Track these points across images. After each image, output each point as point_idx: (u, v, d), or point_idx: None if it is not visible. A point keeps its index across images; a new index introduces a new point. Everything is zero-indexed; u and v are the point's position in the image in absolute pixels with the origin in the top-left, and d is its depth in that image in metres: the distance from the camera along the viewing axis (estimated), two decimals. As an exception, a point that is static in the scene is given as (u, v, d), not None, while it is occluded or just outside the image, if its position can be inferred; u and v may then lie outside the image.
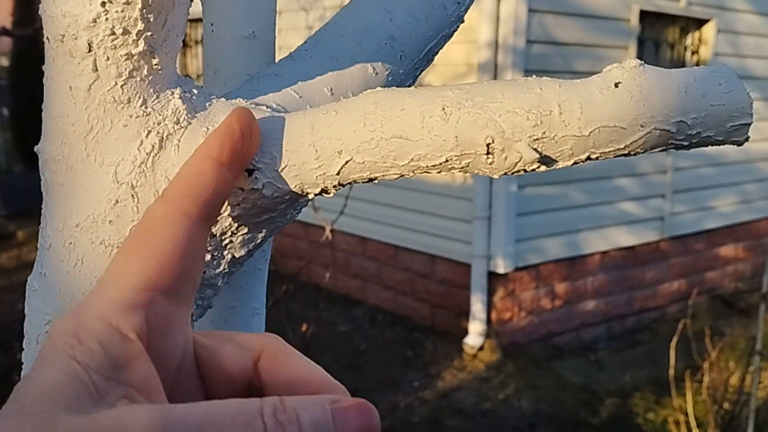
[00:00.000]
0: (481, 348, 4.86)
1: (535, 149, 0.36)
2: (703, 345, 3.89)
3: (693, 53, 5.54)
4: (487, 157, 0.36)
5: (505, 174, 0.38)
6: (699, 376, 3.76)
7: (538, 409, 4.30)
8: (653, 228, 5.51)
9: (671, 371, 3.51)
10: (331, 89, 0.47)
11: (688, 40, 5.54)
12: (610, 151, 0.37)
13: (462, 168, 0.38)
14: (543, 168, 0.37)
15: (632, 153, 0.37)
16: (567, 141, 0.36)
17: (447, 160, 0.37)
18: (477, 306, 4.81)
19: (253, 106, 0.42)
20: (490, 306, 4.82)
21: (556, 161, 0.37)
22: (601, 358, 5.08)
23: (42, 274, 0.41)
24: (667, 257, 5.70)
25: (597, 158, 0.37)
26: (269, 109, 0.42)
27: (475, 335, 4.85)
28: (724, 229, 6.06)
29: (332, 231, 4.19)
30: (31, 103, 11.06)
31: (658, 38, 5.35)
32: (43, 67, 0.40)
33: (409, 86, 0.52)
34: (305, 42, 0.51)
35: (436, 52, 0.55)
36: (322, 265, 5.47)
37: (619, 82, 0.36)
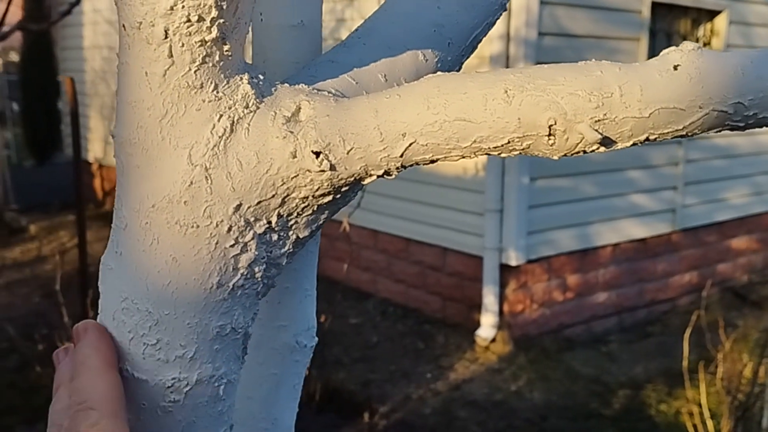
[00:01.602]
0: (493, 340, 4.87)
1: (597, 130, 0.37)
2: (716, 336, 3.89)
3: (705, 45, 5.52)
4: (549, 139, 0.38)
5: (565, 155, 0.39)
6: (712, 367, 3.77)
7: (549, 401, 4.32)
8: (665, 220, 5.50)
9: (684, 362, 3.51)
10: (385, 75, 0.49)
11: (700, 32, 5.52)
12: (668, 132, 0.38)
13: (522, 149, 0.39)
14: (602, 149, 0.39)
15: (690, 134, 0.38)
16: (627, 122, 0.37)
17: (509, 142, 0.38)
18: (489, 298, 4.82)
19: (315, 91, 0.43)
20: (502, 298, 4.83)
21: (615, 142, 0.39)
22: (613, 350, 5.09)
23: (118, 254, 0.43)
24: (678, 249, 5.70)
25: (655, 139, 0.38)
26: (331, 94, 0.44)
27: (487, 327, 4.87)
28: (736, 221, 6.05)
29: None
30: (42, 98, 11.11)
31: (670, 30, 5.33)
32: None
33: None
34: (357, 29, 0.52)
35: (481, 40, 0.56)
36: (335, 259, 5.50)
37: (678, 65, 0.37)
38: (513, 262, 4.72)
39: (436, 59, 0.52)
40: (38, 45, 10.89)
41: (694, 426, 3.37)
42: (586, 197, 5.01)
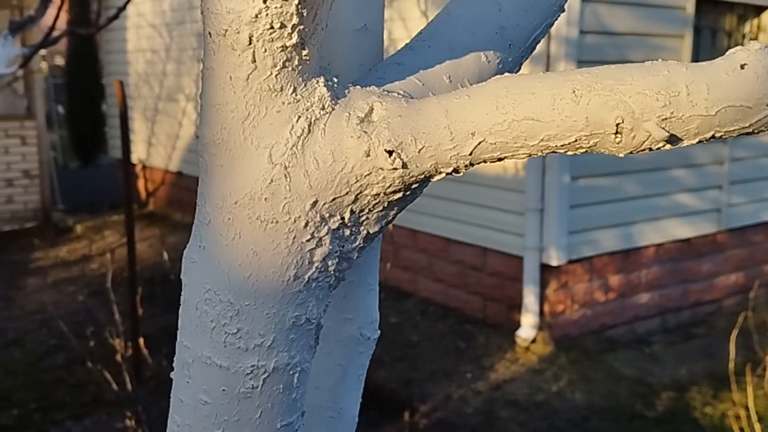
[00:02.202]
0: (533, 340, 4.85)
1: (664, 128, 0.38)
2: (764, 338, 3.82)
3: (751, 41, 5.41)
4: (616, 137, 0.39)
5: (631, 153, 0.40)
6: (760, 369, 3.69)
7: (591, 402, 4.28)
8: (710, 220, 5.41)
9: (731, 364, 3.45)
10: (450, 77, 0.50)
11: (746, 28, 5.41)
12: (734, 130, 0.39)
13: (589, 147, 0.40)
14: (668, 147, 0.40)
15: (756, 131, 0.39)
16: (694, 120, 0.38)
17: (576, 140, 0.40)
18: (530, 298, 4.80)
19: (386, 92, 0.45)
20: (542, 298, 4.80)
21: (681, 140, 0.40)
22: (656, 352, 5.02)
23: (201, 248, 0.46)
24: (724, 249, 5.59)
25: (721, 137, 0.39)
26: (400, 96, 0.46)
27: (527, 328, 4.84)
28: (784, 220, 5.92)
29: (385, 223, 4.23)
30: (86, 101, 11.37)
31: (715, 26, 5.24)
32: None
33: (516, 73, 0.54)
34: (421, 33, 0.54)
35: (539, 41, 0.57)
36: (373, 258, 5.52)
37: (744, 64, 0.38)
38: (554, 262, 4.69)
39: (498, 60, 0.53)
40: (83, 49, 11.15)
41: (741, 429, 3.31)
42: (629, 197, 4.95)
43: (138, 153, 8.84)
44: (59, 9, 3.60)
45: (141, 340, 2.73)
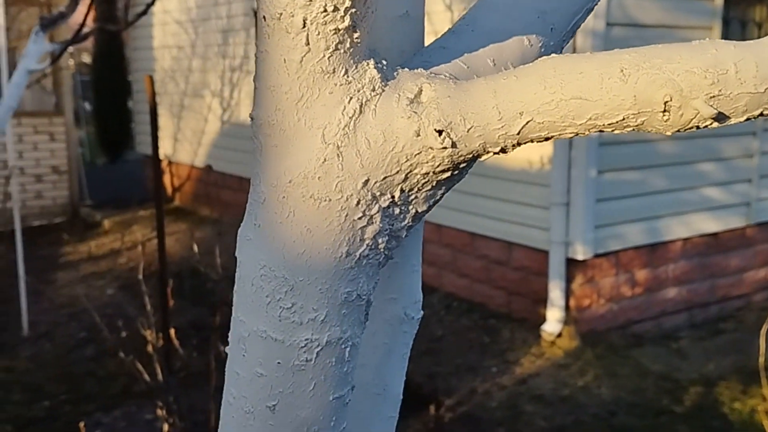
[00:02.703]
0: (559, 335, 4.83)
1: (712, 106, 0.39)
2: (794, 333, 3.77)
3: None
4: (664, 115, 0.40)
5: (678, 131, 0.41)
6: (790, 364, 3.66)
7: (618, 397, 4.26)
8: (738, 214, 5.35)
9: (761, 359, 3.42)
10: (493, 60, 0.52)
11: (776, 19, 5.33)
12: (782, 107, 0.39)
13: (636, 126, 0.41)
14: (716, 124, 0.41)
15: (804, 109, 0.40)
16: (742, 98, 0.39)
17: (623, 119, 0.41)
18: (555, 293, 4.78)
19: (433, 75, 0.47)
20: (568, 293, 4.78)
21: (729, 117, 0.40)
22: (683, 347, 4.98)
23: (256, 226, 0.47)
24: (753, 244, 5.53)
25: (768, 114, 0.40)
26: (448, 77, 0.47)
27: (553, 322, 4.83)
28: (815, 215, 5.83)
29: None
30: (113, 98, 11.51)
31: (744, 17, 5.17)
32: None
33: (557, 58, 0.55)
34: (464, 17, 0.55)
35: (580, 25, 0.58)
36: (398, 252, 5.53)
37: (793, 42, 0.38)
38: (580, 257, 4.67)
39: (540, 44, 0.54)
40: (110, 46, 11.28)
41: (772, 424, 3.28)
42: (656, 190, 4.91)
43: (164, 149, 8.93)
44: (89, 6, 3.65)
45: (172, 331, 2.77)
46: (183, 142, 8.63)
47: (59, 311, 5.70)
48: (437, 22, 5.32)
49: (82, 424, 2.54)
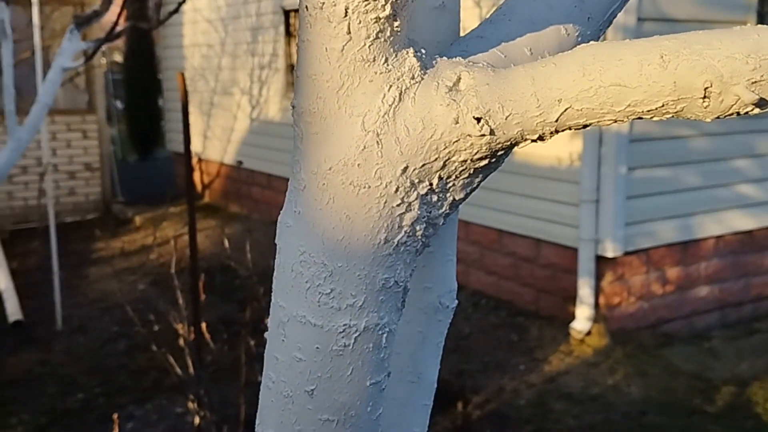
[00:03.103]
0: (588, 333, 4.79)
1: (753, 91, 0.39)
2: (831, 333, 3.70)
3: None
4: (704, 101, 0.40)
5: (718, 117, 0.41)
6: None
7: (648, 396, 4.22)
8: (773, 212, 5.25)
9: (796, 359, 3.36)
10: (531, 49, 0.52)
11: (813, 13, 5.22)
12: (826, 92, 0.39)
13: (676, 112, 0.41)
14: (757, 110, 0.40)
15: None
16: (784, 83, 0.39)
17: (663, 105, 0.41)
18: (584, 290, 4.75)
19: (471, 63, 0.47)
20: (598, 291, 4.74)
21: (770, 103, 0.40)
22: (715, 346, 4.91)
23: (297, 212, 0.48)
24: (787, 242, 5.43)
25: (811, 100, 0.40)
26: (486, 66, 0.47)
27: (582, 320, 4.79)
28: None
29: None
30: (144, 96, 11.66)
31: (780, 12, 5.07)
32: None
33: (594, 47, 0.55)
34: (501, 7, 0.55)
35: (617, 14, 0.58)
36: (426, 249, 5.53)
37: (837, 27, 0.38)
38: (609, 254, 4.62)
39: (577, 33, 0.54)
40: (141, 45, 11.42)
41: (807, 425, 3.23)
42: (688, 188, 4.84)
43: (194, 146, 9.02)
44: (123, 4, 3.70)
45: (203, 325, 2.81)
46: (213, 139, 8.71)
47: (92, 306, 5.79)
48: (465, 18, 5.27)
49: (115, 416, 2.58)
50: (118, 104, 14.24)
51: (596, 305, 4.77)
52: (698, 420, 3.97)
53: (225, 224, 7.81)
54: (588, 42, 0.57)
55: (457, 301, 0.61)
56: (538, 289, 5.19)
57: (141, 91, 11.64)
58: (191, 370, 2.64)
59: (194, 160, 9.08)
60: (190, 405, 2.71)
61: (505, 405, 4.16)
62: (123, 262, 6.97)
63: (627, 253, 4.72)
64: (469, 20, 5.27)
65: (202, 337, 2.80)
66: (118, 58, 15.87)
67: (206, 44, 8.59)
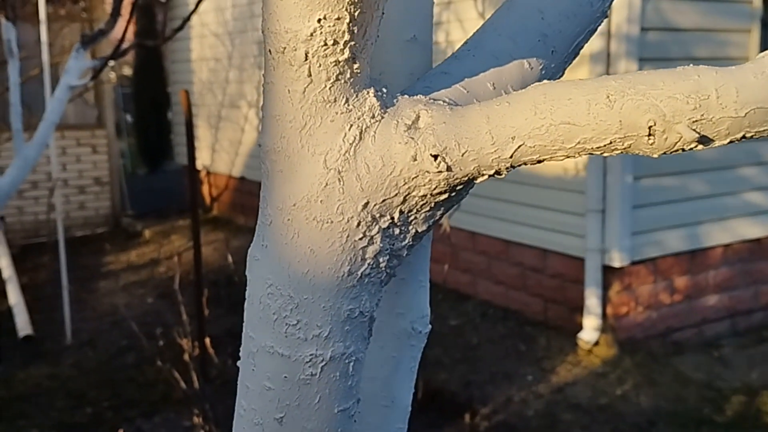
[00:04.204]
0: (596, 343, 4.78)
1: (694, 130, 0.40)
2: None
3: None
4: (649, 139, 0.41)
5: (664, 153, 0.42)
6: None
7: (658, 406, 4.20)
8: (781, 219, 5.23)
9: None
10: (493, 84, 0.53)
11: (818, 20, 5.21)
12: (765, 130, 0.41)
13: (624, 149, 0.43)
14: (700, 147, 0.42)
15: (786, 131, 0.41)
16: (724, 122, 0.40)
17: (611, 142, 0.42)
18: (592, 300, 4.74)
19: (432, 100, 0.49)
20: (605, 300, 4.73)
21: (713, 140, 0.42)
22: (726, 355, 4.88)
23: (264, 246, 0.50)
24: (796, 250, 5.40)
25: (752, 137, 0.41)
26: (445, 104, 0.49)
27: (590, 330, 4.78)
28: None
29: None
30: (153, 110, 11.76)
31: (784, 19, 5.07)
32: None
33: (559, 78, 0.57)
34: (466, 42, 0.57)
35: (582, 46, 0.59)
36: (434, 260, 5.53)
37: (772, 67, 0.40)
38: (616, 264, 4.62)
39: (541, 67, 0.56)
40: (149, 59, 11.53)
41: (815, 435, 3.20)
42: (695, 196, 4.83)
43: (202, 159, 9.08)
44: (128, 22, 3.75)
45: (207, 340, 2.83)
46: (221, 152, 8.77)
47: (101, 319, 5.83)
48: (471, 30, 5.32)
49: (121, 431, 2.60)
50: (128, 118, 14.35)
51: (604, 315, 4.76)
52: (708, 430, 3.95)
53: (232, 237, 7.85)
54: (552, 74, 0.59)
55: (430, 326, 0.62)
56: (546, 299, 5.19)
57: (150, 104, 11.73)
58: (196, 384, 2.66)
59: (202, 173, 9.14)
60: (196, 420, 2.72)
61: (513, 416, 4.15)
62: (132, 275, 7.01)
63: (634, 263, 4.71)
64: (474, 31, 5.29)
65: (206, 352, 2.82)
66: (128, 72, 16.00)
67: (214, 58, 8.66)
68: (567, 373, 4.60)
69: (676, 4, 4.54)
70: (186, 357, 2.80)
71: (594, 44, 4.41)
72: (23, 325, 5.36)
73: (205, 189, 9.16)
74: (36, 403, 4.44)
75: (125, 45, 3.92)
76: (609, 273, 4.69)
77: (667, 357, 4.77)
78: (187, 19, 3.77)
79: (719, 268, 5.09)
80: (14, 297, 5.58)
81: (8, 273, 6.08)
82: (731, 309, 5.20)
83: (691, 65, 0.42)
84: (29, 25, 6.59)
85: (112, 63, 4.46)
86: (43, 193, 8.01)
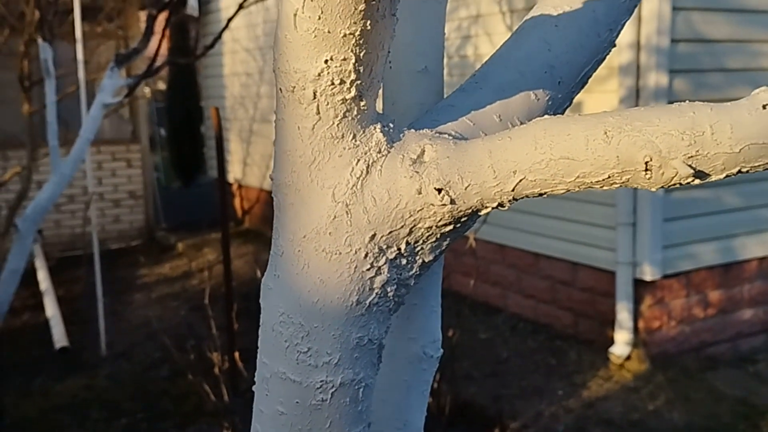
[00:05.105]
0: (628, 357, 4.72)
1: (690, 165, 0.41)
2: None
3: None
4: (646, 173, 0.42)
5: (662, 187, 0.43)
6: None
7: (691, 422, 4.13)
8: (818, 231, 5.12)
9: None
10: (500, 116, 0.55)
11: None
12: (760, 165, 0.41)
13: (622, 183, 0.44)
14: (697, 181, 0.43)
15: (781, 166, 0.42)
16: (719, 157, 0.41)
17: (609, 177, 0.43)
18: (623, 314, 4.68)
19: (437, 134, 0.50)
20: (637, 314, 4.67)
21: (709, 175, 0.43)
22: (761, 371, 4.78)
23: (276, 276, 0.52)
24: (835, 263, 5.27)
25: (747, 171, 0.42)
26: (450, 137, 0.50)
27: (621, 344, 4.73)
28: None
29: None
30: (186, 124, 11.93)
31: (819, 28, 4.98)
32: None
33: (566, 108, 0.58)
34: (474, 75, 0.58)
35: (590, 76, 0.60)
36: (461, 273, 5.53)
37: (766, 104, 0.40)
38: (648, 277, 4.56)
39: (548, 98, 0.57)
40: (183, 74, 11.72)
41: None
42: (729, 209, 4.76)
43: (234, 173, 9.19)
44: (161, 40, 3.83)
45: (237, 354, 2.86)
46: (252, 166, 8.87)
47: (136, 331, 5.91)
48: (498, 43, 5.31)
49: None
50: (162, 132, 14.57)
51: (635, 329, 4.70)
52: (742, 447, 3.87)
53: (263, 250, 7.92)
54: (559, 105, 0.60)
55: (441, 351, 0.64)
56: (577, 312, 5.14)
57: (184, 118, 11.91)
58: (226, 397, 2.70)
59: (234, 186, 9.25)
60: (225, 432, 2.76)
61: (543, 431, 4.12)
62: (166, 287, 7.11)
63: (666, 276, 4.65)
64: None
65: (236, 366, 2.86)
66: (162, 86, 16.27)
67: (245, 73, 8.78)
68: (598, 387, 4.55)
69: (707, 15, 4.49)
70: (216, 370, 2.83)
71: (624, 56, 4.38)
72: (60, 336, 5.47)
73: (237, 202, 9.26)
74: (72, 414, 4.52)
75: (159, 62, 4.00)
76: (640, 286, 4.64)
77: (700, 372, 4.69)
78: (218, 36, 3.85)
79: (754, 282, 4.99)
80: (51, 309, 5.70)
81: (45, 285, 6.21)
82: (767, 323, 5.09)
83: (686, 103, 0.43)
84: (65, 42, 6.75)
85: (145, 81, 4.55)
86: (80, 206, 8.18)
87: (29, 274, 6.07)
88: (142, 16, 8.78)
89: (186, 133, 11.96)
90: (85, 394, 4.81)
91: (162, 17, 3.91)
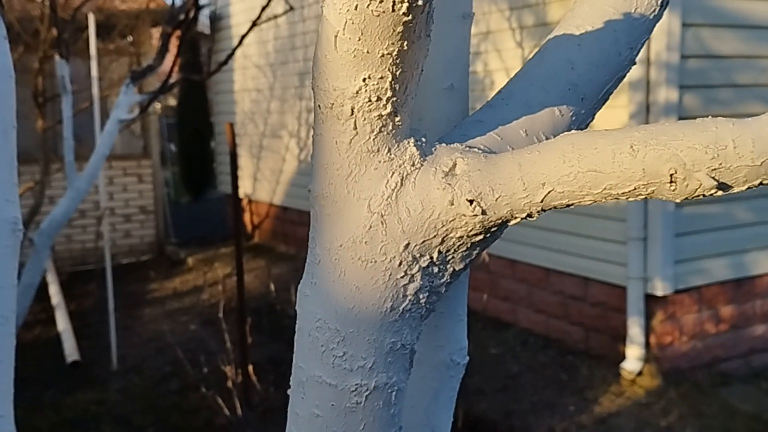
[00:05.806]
0: (639, 373, 4.70)
1: (713, 177, 0.44)
2: None
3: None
4: (671, 185, 0.44)
5: (686, 198, 0.45)
6: None
7: (704, 438, 4.11)
8: (830, 247, 5.10)
9: None
10: (526, 131, 0.57)
11: None
12: (781, 178, 0.43)
13: (648, 194, 0.46)
14: (720, 192, 0.45)
15: (801, 179, 0.44)
16: (741, 170, 0.43)
17: (635, 188, 0.46)
18: (634, 330, 4.67)
19: (467, 148, 0.53)
20: (648, 330, 4.66)
21: (731, 187, 0.45)
22: (774, 387, 4.76)
23: (313, 283, 0.54)
24: None
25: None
26: (480, 151, 0.53)
27: (633, 360, 4.71)
28: None
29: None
30: (196, 139, 12.02)
31: (829, 44, 4.99)
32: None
33: (589, 123, 0.60)
34: (500, 91, 0.61)
35: (612, 92, 0.63)
36: (473, 288, 5.54)
37: (786, 120, 0.43)
38: (659, 292, 4.56)
39: (571, 114, 0.60)
40: (193, 90, 11.82)
41: None
42: (741, 224, 4.76)
43: (244, 188, 9.24)
44: (174, 58, 3.89)
45: (250, 368, 2.88)
46: (262, 181, 8.91)
47: (146, 346, 5.93)
48: (508, 59, 5.37)
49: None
50: (172, 147, 14.66)
51: (647, 344, 4.69)
52: (756, 464, 3.85)
53: (274, 264, 7.94)
54: (582, 120, 0.62)
55: (468, 358, 0.65)
56: (588, 327, 5.13)
57: (194, 134, 11.99)
58: (239, 411, 2.71)
59: (244, 201, 9.29)
60: (239, 446, 2.76)
61: (554, 447, 4.10)
62: (176, 302, 7.13)
63: (677, 291, 4.64)
64: (512, 61, 5.33)
65: (249, 379, 2.87)
66: (172, 102, 16.38)
67: (255, 89, 8.85)
68: (610, 403, 4.54)
69: (716, 31, 4.52)
70: (229, 384, 2.85)
71: (634, 72, 4.40)
72: (71, 350, 5.50)
73: (247, 217, 9.31)
74: (83, 428, 4.54)
75: (172, 79, 4.05)
76: (652, 302, 4.63)
77: (713, 388, 4.67)
78: (232, 52, 3.90)
79: (766, 297, 4.98)
80: (62, 323, 5.73)
81: (57, 300, 6.25)
82: (780, 339, 5.07)
83: (709, 118, 0.45)
84: (80, 59, 6.83)
85: (159, 97, 4.61)
86: (91, 221, 8.24)
87: (41, 289, 6.11)
88: (155, 33, 8.89)
89: (196, 148, 12.05)
90: (96, 408, 4.83)
91: (175, 35, 3.97)
